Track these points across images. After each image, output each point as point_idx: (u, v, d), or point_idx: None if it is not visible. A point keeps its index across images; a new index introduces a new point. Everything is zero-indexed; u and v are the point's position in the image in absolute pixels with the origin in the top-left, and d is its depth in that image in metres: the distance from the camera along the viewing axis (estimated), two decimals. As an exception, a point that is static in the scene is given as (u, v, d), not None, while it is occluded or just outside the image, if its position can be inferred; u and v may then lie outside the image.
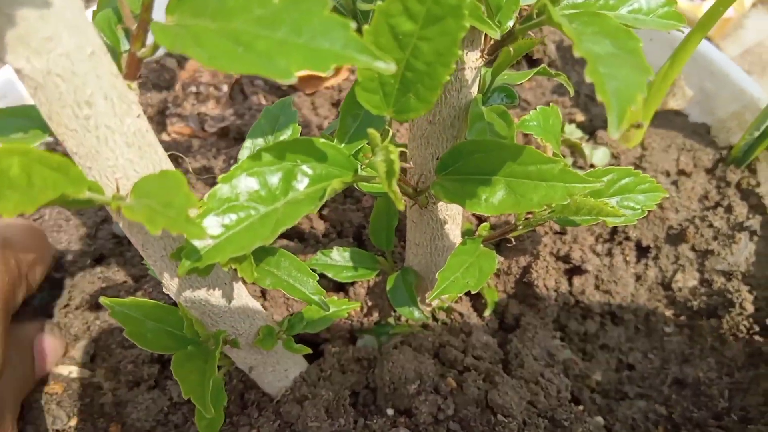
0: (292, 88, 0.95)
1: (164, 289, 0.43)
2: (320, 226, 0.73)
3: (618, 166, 0.78)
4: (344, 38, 0.25)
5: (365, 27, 0.31)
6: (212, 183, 0.79)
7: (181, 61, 0.99)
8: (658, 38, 0.85)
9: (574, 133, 0.76)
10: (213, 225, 0.33)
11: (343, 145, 0.39)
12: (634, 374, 0.68)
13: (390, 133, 0.36)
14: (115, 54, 0.34)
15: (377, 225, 0.61)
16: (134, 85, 0.32)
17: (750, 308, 0.70)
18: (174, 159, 0.52)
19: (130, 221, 0.36)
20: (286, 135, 0.50)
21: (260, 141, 0.50)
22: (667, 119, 0.83)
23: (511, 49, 0.40)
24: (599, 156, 0.75)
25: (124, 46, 0.34)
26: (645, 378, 0.68)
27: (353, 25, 0.25)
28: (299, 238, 0.73)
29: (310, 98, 0.93)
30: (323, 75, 0.94)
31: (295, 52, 0.25)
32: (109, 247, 0.74)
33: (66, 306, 0.68)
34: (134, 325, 0.45)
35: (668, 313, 0.72)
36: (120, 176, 0.33)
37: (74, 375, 0.64)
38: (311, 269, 0.45)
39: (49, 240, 0.74)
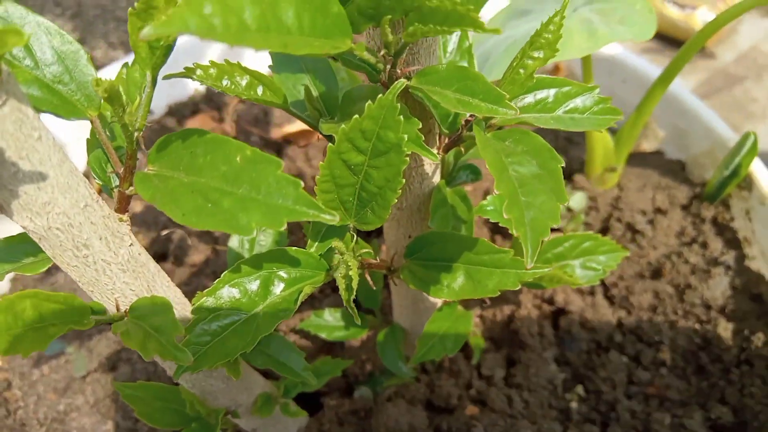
0: (286, 141, 1.00)
1: (168, 372, 0.48)
2: (315, 283, 0.78)
3: (596, 208, 0.82)
4: (294, 195, 0.30)
5: (321, 163, 0.35)
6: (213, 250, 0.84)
7: (181, 120, 1.04)
8: (631, 80, 0.89)
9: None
10: (200, 334, 0.38)
11: (315, 245, 0.44)
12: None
13: (354, 239, 0.40)
14: (107, 189, 0.39)
15: (364, 289, 0.66)
16: (125, 217, 0.37)
17: (728, 341, 0.73)
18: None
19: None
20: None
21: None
22: (642, 159, 0.87)
23: (462, 149, 0.44)
24: (576, 200, 0.79)
25: (115, 182, 0.39)
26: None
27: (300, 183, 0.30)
28: (296, 296, 0.77)
29: (303, 150, 0.98)
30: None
31: (255, 209, 0.30)
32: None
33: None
34: (143, 405, 0.50)
35: (650, 348, 0.76)
36: (119, 296, 0.38)
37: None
38: (305, 331, 0.50)
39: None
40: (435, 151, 0.45)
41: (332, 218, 0.30)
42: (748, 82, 1.39)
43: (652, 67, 0.87)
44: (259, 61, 0.99)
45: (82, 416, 0.75)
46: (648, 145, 0.86)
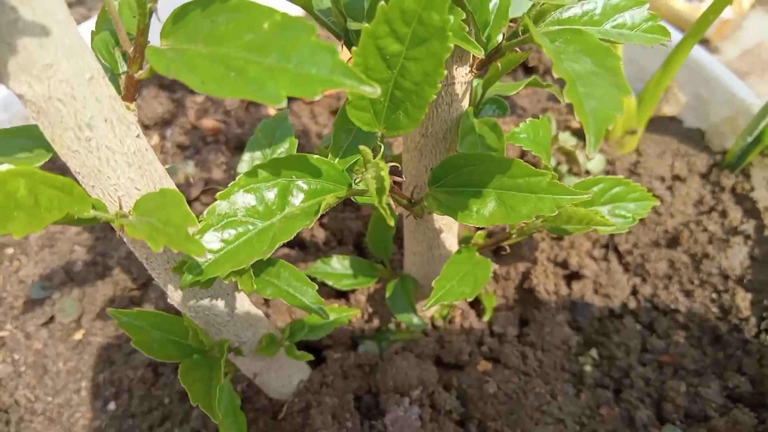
0: (292, 98, 0.97)
1: (169, 300, 0.44)
2: (320, 235, 0.75)
3: (613, 172, 0.79)
4: (331, 63, 0.27)
5: (354, 49, 0.32)
6: (212, 194, 0.80)
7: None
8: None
9: (568, 140, 0.77)
10: (212, 240, 0.34)
11: (336, 160, 0.40)
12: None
13: (382, 149, 0.37)
14: (114, 76, 0.35)
15: (375, 234, 0.63)
16: (132, 105, 0.34)
17: (746, 311, 0.71)
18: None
19: (133, 239, 0.37)
20: (283, 149, 0.51)
21: (258, 154, 0.51)
22: (661, 125, 0.84)
23: (499, 65, 0.41)
24: (594, 163, 0.76)
25: (122, 68, 0.36)
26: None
27: (339, 48, 0.26)
28: (300, 247, 0.74)
29: (309, 106, 0.94)
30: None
31: (284, 78, 0.27)
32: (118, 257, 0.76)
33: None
34: (141, 334, 0.46)
35: (665, 317, 0.73)
36: (122, 194, 0.34)
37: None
38: (311, 278, 0.47)
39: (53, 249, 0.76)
40: (467, 69, 0.42)
41: (373, 90, 0.26)
42: (752, 77, 1.37)
43: (674, 31, 0.84)
44: None
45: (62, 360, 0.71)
46: (669, 110, 0.83)
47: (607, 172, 0.79)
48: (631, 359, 0.69)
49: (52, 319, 0.75)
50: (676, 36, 0.85)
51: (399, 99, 0.34)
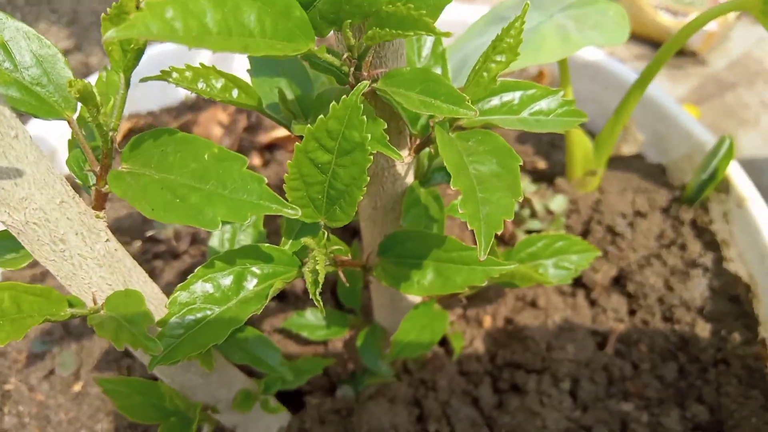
0: (275, 146, 1.02)
1: (147, 368, 0.49)
2: (300, 285, 0.79)
3: (576, 211, 0.83)
4: (258, 191, 0.32)
5: (289, 162, 0.37)
6: (199, 246, 0.85)
7: (185, 117, 1.06)
8: (613, 85, 0.91)
9: (527, 188, 0.82)
10: (174, 327, 0.39)
11: (289, 243, 0.45)
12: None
13: (326, 235, 0.42)
14: (86, 187, 0.40)
15: (345, 288, 0.67)
16: (102, 213, 0.39)
17: (705, 342, 0.75)
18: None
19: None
20: (251, 220, 0.56)
21: (227, 228, 0.56)
22: (623, 162, 0.89)
23: (432, 150, 0.46)
24: (557, 202, 0.81)
25: (92, 181, 0.41)
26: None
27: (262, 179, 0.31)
28: (279, 298, 0.79)
29: (291, 154, 0.99)
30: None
31: (221, 204, 0.32)
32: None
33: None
34: (124, 400, 0.51)
35: (629, 348, 0.77)
36: (95, 290, 0.39)
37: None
38: (288, 330, 0.51)
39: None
40: (406, 152, 0.47)
41: (294, 212, 0.31)
42: (740, 88, 1.41)
43: (632, 73, 0.89)
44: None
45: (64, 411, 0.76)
46: (628, 149, 0.87)
47: (571, 212, 0.83)
48: (598, 390, 0.73)
49: (52, 372, 0.80)
50: (631, 77, 0.89)
51: (334, 197, 0.39)
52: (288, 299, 0.78)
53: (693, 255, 0.80)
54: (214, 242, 0.55)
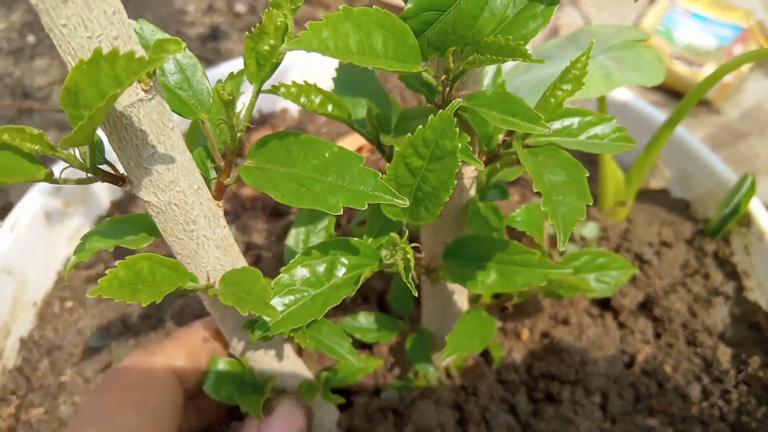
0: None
1: (230, 350, 0.55)
2: (348, 293, 0.85)
3: (607, 238, 0.89)
4: (374, 183, 0.38)
5: (387, 165, 0.43)
6: (255, 255, 0.91)
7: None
8: (641, 124, 0.98)
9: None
10: (277, 305, 0.45)
11: (370, 240, 0.51)
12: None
13: (406, 233, 0.48)
14: (207, 180, 0.46)
15: (398, 293, 0.73)
16: (220, 203, 0.45)
17: (726, 365, 0.79)
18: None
19: (212, 301, 0.48)
20: (322, 225, 0.62)
21: (302, 230, 0.62)
22: (650, 196, 0.95)
23: (498, 165, 0.52)
24: (589, 229, 0.86)
25: (213, 175, 0.47)
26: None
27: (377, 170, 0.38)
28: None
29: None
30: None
31: (341, 193, 0.38)
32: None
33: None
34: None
35: (655, 368, 0.82)
36: (210, 269, 0.45)
37: None
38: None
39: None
40: (473, 168, 0.53)
41: (404, 202, 0.37)
42: (752, 138, 1.47)
43: (659, 113, 0.96)
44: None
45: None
46: (655, 184, 0.94)
47: (602, 239, 0.89)
48: (626, 405, 0.78)
49: (108, 365, 0.85)
50: (661, 117, 0.96)
51: (420, 198, 0.45)
52: (338, 306, 0.83)
53: (715, 284, 0.85)
54: (290, 241, 0.61)
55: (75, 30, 0.30)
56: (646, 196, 0.95)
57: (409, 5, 0.38)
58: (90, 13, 0.30)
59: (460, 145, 0.41)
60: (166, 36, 0.38)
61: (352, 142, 1.10)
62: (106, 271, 0.38)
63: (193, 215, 0.41)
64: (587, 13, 1.74)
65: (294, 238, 0.61)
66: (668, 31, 1.48)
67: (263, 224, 0.96)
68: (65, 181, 0.36)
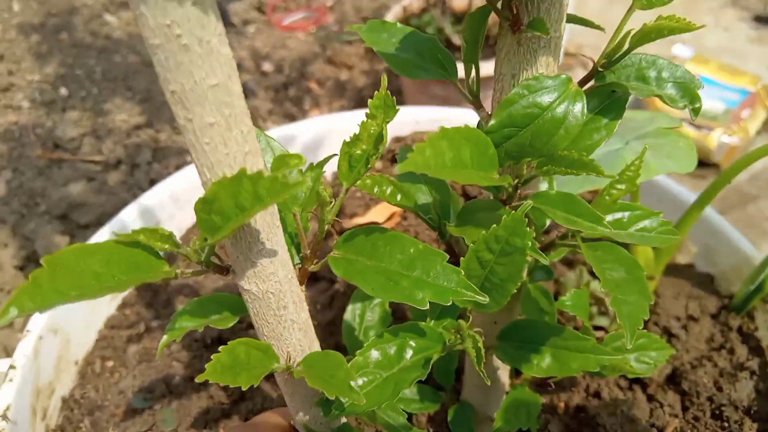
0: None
1: (292, 422, 0.57)
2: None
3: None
4: (457, 280, 0.41)
5: (462, 258, 0.47)
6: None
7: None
8: (666, 201, 1.02)
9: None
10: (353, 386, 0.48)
11: (432, 321, 0.54)
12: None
13: (470, 319, 0.51)
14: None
15: (441, 366, 0.76)
16: (303, 288, 0.48)
17: (755, 440, 0.81)
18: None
19: (285, 378, 0.51)
20: (377, 300, 0.66)
21: (358, 305, 0.65)
22: (677, 270, 0.98)
23: (552, 252, 0.56)
24: (619, 303, 0.90)
25: (296, 260, 0.51)
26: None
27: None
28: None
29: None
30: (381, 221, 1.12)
31: (427, 288, 0.41)
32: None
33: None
34: None
35: (685, 442, 0.84)
36: (291, 350, 0.48)
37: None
38: None
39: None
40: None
41: (484, 299, 0.41)
42: (761, 201, 1.50)
43: (688, 193, 1.00)
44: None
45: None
46: (682, 259, 0.97)
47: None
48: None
49: (152, 427, 0.87)
50: (685, 195, 1.01)
51: (487, 288, 0.48)
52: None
53: (740, 359, 0.88)
54: (348, 316, 0.65)
55: (216, 147, 0.34)
56: (672, 270, 0.99)
57: (493, 122, 0.42)
58: (230, 134, 0.34)
59: (530, 243, 0.45)
60: (288, 151, 0.43)
61: (385, 208, 1.15)
62: (212, 357, 0.41)
63: (284, 302, 0.45)
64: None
65: (351, 313, 0.65)
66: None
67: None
68: (182, 275, 0.40)
